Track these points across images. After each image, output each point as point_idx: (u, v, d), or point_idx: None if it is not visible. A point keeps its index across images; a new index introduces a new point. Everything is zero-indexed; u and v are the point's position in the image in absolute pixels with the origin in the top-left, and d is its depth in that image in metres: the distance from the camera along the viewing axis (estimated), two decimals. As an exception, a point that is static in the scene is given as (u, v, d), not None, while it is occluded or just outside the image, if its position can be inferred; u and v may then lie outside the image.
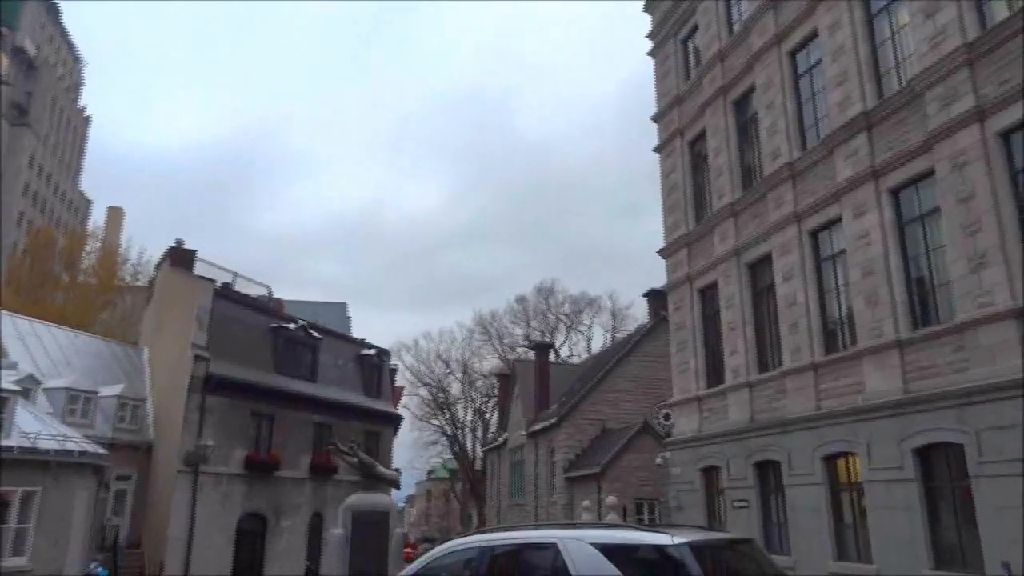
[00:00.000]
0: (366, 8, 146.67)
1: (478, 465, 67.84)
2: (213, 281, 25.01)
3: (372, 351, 32.44)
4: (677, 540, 4.63)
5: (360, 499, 12.41)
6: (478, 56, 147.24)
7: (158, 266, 30.46)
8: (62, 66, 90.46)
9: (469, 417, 68.81)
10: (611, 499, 26.66)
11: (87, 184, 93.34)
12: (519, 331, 65.56)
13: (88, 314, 39.39)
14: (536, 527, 6.29)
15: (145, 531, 23.34)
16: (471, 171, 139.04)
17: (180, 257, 28.17)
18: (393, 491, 22.69)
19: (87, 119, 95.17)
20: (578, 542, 5.09)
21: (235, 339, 25.16)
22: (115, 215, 79.38)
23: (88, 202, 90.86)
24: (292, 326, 27.59)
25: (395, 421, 34.29)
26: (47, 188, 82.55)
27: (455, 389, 68.29)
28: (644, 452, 31.20)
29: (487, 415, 68.16)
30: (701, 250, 22.08)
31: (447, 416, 66.60)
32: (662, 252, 24.25)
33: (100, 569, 20.16)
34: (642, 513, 30.30)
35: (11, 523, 17.26)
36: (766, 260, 18.94)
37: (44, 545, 17.82)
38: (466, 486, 69.00)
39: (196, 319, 23.93)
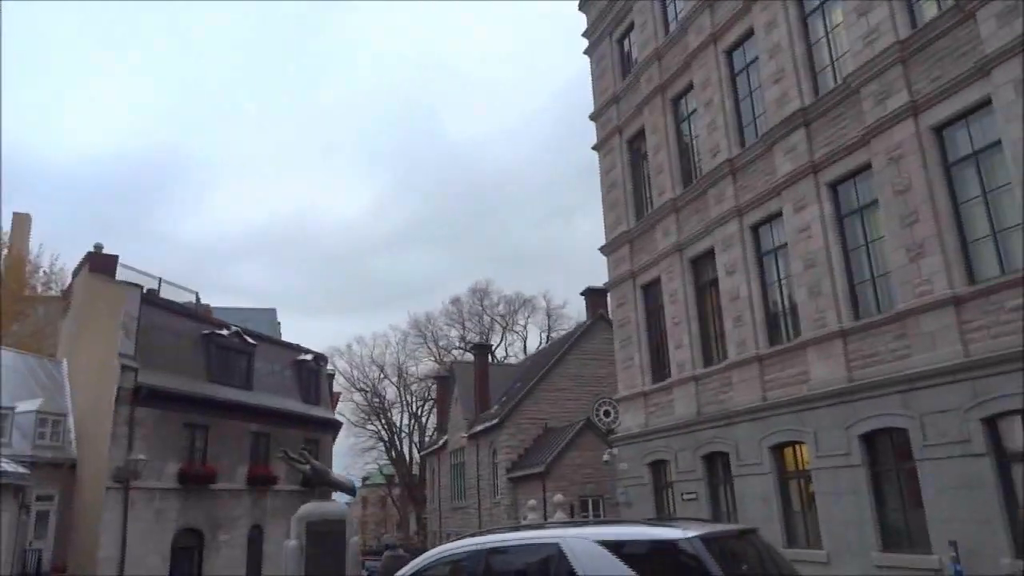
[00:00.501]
0: (290, 9, 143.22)
1: (415, 470, 67.18)
2: (139, 287, 23.75)
3: (308, 356, 31.57)
4: (689, 533, 4.50)
5: (314, 508, 11.96)
6: (406, 60, 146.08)
7: (75, 273, 28.83)
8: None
9: (405, 421, 68.07)
10: (558, 497, 26.76)
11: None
12: (455, 333, 65.34)
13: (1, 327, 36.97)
14: (535, 527, 6.06)
15: (71, 554, 22.00)
16: (400, 176, 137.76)
17: (100, 263, 26.71)
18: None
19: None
20: (582, 540, 4.88)
21: (164, 347, 24.01)
22: (21, 221, 74.48)
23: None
24: (225, 332, 26.52)
25: (334, 427, 33.48)
26: (-56, 193, 77.31)
27: (390, 393, 67.48)
28: (588, 449, 31.42)
29: (423, 419, 67.54)
30: (643, 246, 22.33)
31: (383, 421, 65.67)
32: (604, 249, 24.44)
33: None
34: (587, 511, 30.48)
35: (-78, 553, 15.98)
36: (709, 255, 19.28)
37: (-40, 574, 16.56)
38: (404, 491, 68.12)
39: (122, 327, 22.69)
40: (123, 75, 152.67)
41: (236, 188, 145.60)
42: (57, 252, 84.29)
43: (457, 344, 64.68)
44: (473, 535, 6.08)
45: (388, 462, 73.11)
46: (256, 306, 62.02)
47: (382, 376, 66.34)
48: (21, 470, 18.35)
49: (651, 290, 22.17)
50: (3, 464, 18.03)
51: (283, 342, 31.19)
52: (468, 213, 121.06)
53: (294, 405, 29.83)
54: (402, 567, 6.39)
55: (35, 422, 22.38)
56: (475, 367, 41.04)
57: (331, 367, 38.90)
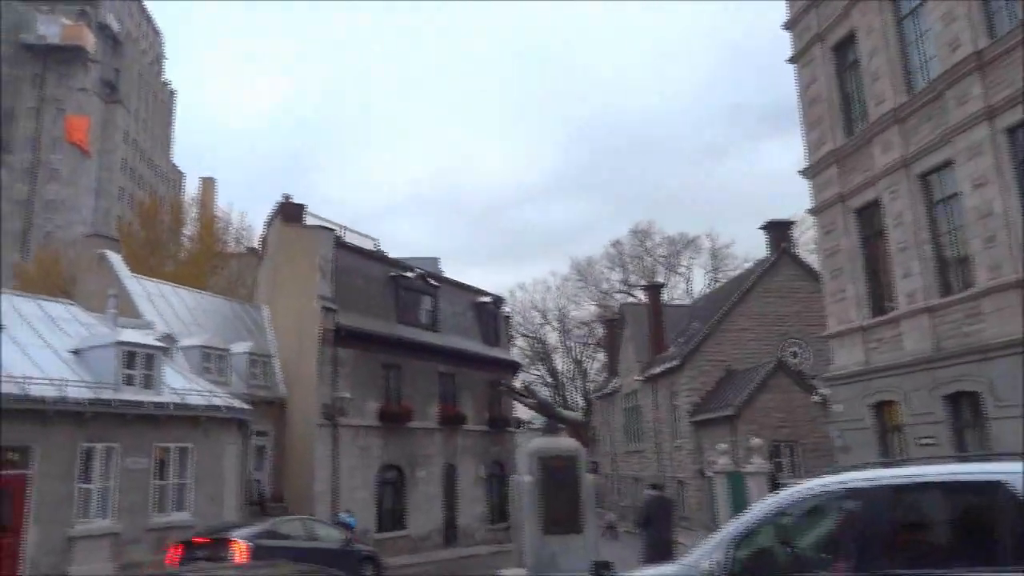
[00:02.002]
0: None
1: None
2: (332, 230, 24.44)
3: (488, 298, 31.65)
4: None
5: (545, 443, 11.43)
6: (545, 8, 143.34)
7: (268, 223, 30.21)
8: (144, 40, 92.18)
9: (567, 367, 68.09)
10: (756, 441, 25.31)
11: (178, 156, 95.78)
12: (616, 276, 64.00)
13: (198, 280, 40.02)
14: (959, 459, 4.90)
15: (286, 485, 23.39)
16: (543, 125, 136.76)
17: (290, 212, 27.77)
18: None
19: (172, 92, 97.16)
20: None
21: (357, 290, 24.69)
22: (208, 185, 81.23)
23: (181, 174, 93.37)
24: (410, 275, 26.93)
25: (514, 368, 33.59)
26: (141, 162, 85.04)
27: (551, 339, 67.59)
28: (780, 392, 29.53)
29: (585, 363, 67.34)
30: (856, 165, 19.91)
31: (547, 367, 65.97)
32: (806, 172, 22.16)
33: (350, 518, 20.38)
34: (780, 456, 28.74)
35: (171, 478, 17.26)
36: (946, 167, 16.78)
37: (202, 500, 17.85)
38: (571, 435, 68.49)
39: (319, 269, 23.46)
40: (283, 40, 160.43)
41: (393, 148, 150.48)
42: (245, 210, 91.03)
43: (619, 287, 63.41)
44: (862, 469, 4.85)
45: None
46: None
47: (543, 322, 66.45)
48: (244, 406, 19.43)
49: (866, 213, 19.82)
50: (229, 400, 19.14)
51: (463, 284, 31.38)
52: (618, 158, 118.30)
53: (477, 346, 30.10)
54: (671, 509, 5.40)
55: (247, 363, 23.74)
56: (648, 308, 39.71)
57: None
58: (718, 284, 55.61)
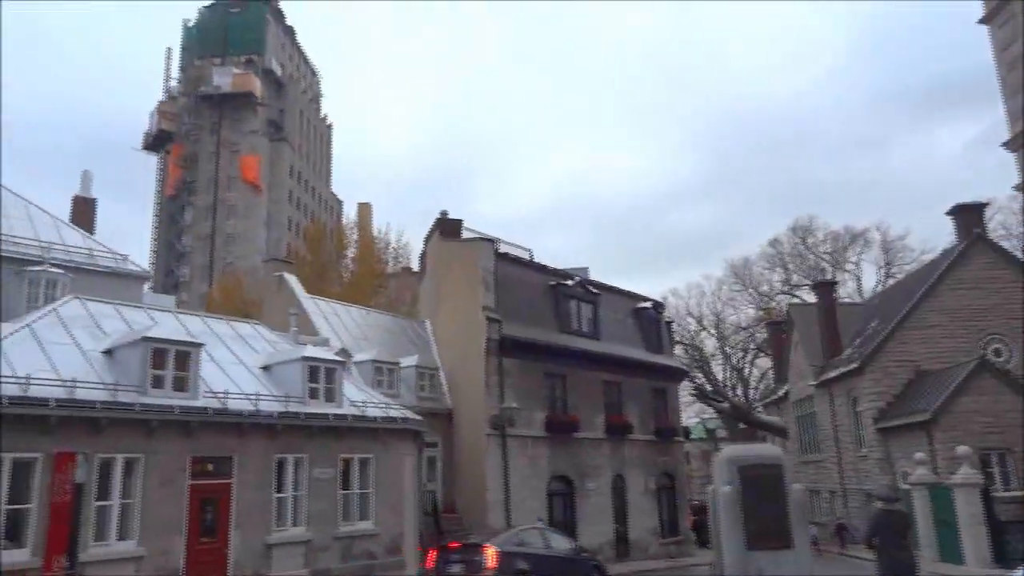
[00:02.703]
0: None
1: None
2: (492, 241, 24.60)
3: (648, 304, 30.73)
4: None
5: (743, 450, 10.59)
6: (671, 10, 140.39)
7: (427, 239, 30.97)
8: (303, 81, 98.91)
9: (725, 374, 65.10)
10: (963, 449, 22.68)
11: (336, 185, 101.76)
12: (777, 276, 60.61)
13: (363, 300, 41.88)
14: None
15: (458, 496, 23.62)
16: (679, 128, 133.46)
17: (448, 227, 28.28)
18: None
19: (329, 127, 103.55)
20: None
21: (517, 300, 24.65)
22: (365, 210, 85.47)
23: (339, 201, 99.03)
24: (570, 282, 26.59)
25: (679, 376, 32.36)
26: (306, 193, 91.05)
27: (709, 345, 64.96)
28: (984, 394, 26.39)
29: (745, 369, 64.11)
30: (1077, 130, 17.41)
31: (706, 375, 63.36)
32: (1009, 144, 19.70)
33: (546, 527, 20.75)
34: (990, 466, 25.60)
35: (354, 488, 17.78)
36: None
37: (383, 510, 18.26)
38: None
39: (481, 281, 23.66)
40: (417, 68, 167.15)
41: (533, 161, 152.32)
42: (401, 228, 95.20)
43: (780, 288, 59.99)
44: None
45: (711, 415, 70.92)
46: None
47: (699, 328, 64.04)
48: (418, 417, 19.77)
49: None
50: (404, 412, 19.54)
51: (622, 290, 30.64)
52: (765, 156, 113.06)
53: (640, 353, 29.23)
54: (905, 525, 4.32)
55: (415, 375, 24.27)
56: (819, 307, 37.04)
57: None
58: (895, 279, 51.22)
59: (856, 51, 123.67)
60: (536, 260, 32.97)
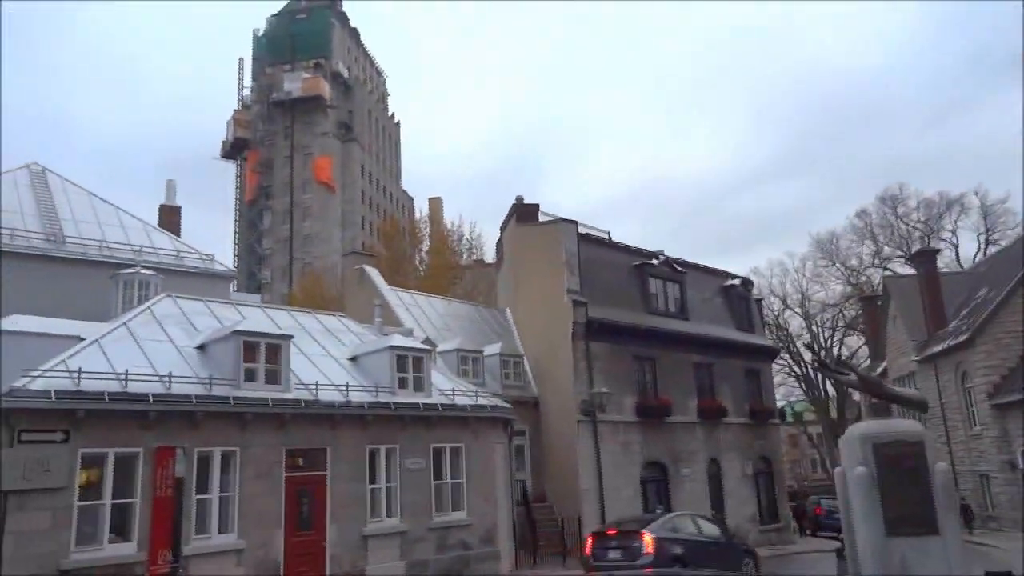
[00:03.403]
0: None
1: (830, 406, 61.55)
2: (575, 222, 23.87)
3: (736, 281, 29.43)
4: None
5: (879, 426, 9.56)
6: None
7: (503, 228, 30.49)
8: (370, 82, 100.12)
9: (808, 356, 62.36)
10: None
11: (406, 182, 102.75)
12: (866, 249, 57.59)
13: (439, 292, 41.89)
14: None
15: (547, 484, 23.11)
16: (753, 111, 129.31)
17: (526, 212, 27.72)
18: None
19: (397, 125, 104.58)
20: None
21: (602, 282, 23.89)
22: (436, 204, 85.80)
23: (410, 199, 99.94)
24: (655, 262, 25.63)
25: (773, 355, 30.97)
26: (377, 192, 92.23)
27: (794, 325, 62.38)
28: (1117, 363, 24.20)
29: (835, 348, 61.27)
30: None
31: (792, 355, 60.86)
32: None
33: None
34: None
35: (446, 478, 17.46)
36: None
37: (476, 500, 17.89)
38: (825, 428, 62.80)
39: (565, 264, 22.99)
40: (484, 63, 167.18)
41: (604, 148, 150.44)
42: (474, 220, 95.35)
43: (871, 262, 57.06)
44: None
45: (800, 399, 68.23)
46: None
47: (783, 307, 61.58)
48: (507, 404, 19.33)
49: None
50: (493, 400, 19.12)
51: (709, 268, 29.42)
52: (845, 129, 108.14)
53: (731, 333, 28.03)
54: None
55: (500, 364, 23.84)
56: (919, 278, 34.91)
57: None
58: (998, 246, 47.90)
59: (932, 16, 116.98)
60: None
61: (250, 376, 14.78)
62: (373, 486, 16.14)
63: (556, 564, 19.75)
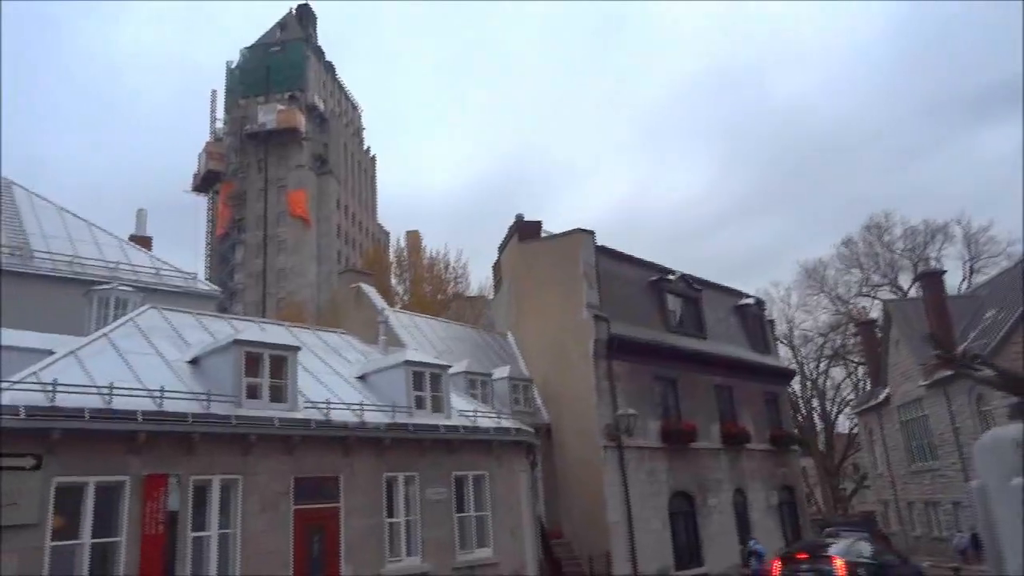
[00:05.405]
0: (591, 8, 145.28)
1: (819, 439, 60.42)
2: (592, 232, 22.33)
3: (750, 300, 28.15)
4: None
5: (1033, 427, 8.02)
6: (710, 31, 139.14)
7: (501, 248, 28.96)
8: (345, 116, 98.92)
9: (803, 387, 61.35)
10: None
11: (382, 218, 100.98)
12: (854, 278, 57.14)
13: (427, 321, 40.14)
14: None
15: (563, 518, 21.17)
16: (727, 149, 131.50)
17: (527, 230, 26.27)
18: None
19: (373, 159, 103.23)
20: None
21: (620, 297, 22.35)
22: (414, 238, 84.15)
23: (386, 233, 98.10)
24: (671, 277, 24.19)
25: (788, 378, 29.60)
26: (353, 226, 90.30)
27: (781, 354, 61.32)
28: None
29: (820, 379, 60.46)
30: None
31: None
32: None
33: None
34: None
35: (469, 510, 15.52)
36: None
37: (502, 535, 15.94)
38: (818, 463, 61.35)
39: (583, 277, 21.39)
40: (460, 100, 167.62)
41: (576, 187, 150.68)
42: (460, 249, 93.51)
43: (859, 290, 56.58)
44: None
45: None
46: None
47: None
48: (530, 429, 17.55)
49: None
50: (515, 423, 17.32)
51: (723, 286, 28.09)
52: (807, 174, 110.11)
53: (748, 354, 26.61)
54: None
55: (509, 388, 22.06)
56: (925, 300, 34.00)
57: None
58: (983, 274, 47.86)
59: (902, 61, 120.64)
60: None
61: (252, 393, 12.84)
62: (391, 520, 14.16)
63: (586, 607, 17.82)
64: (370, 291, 24.34)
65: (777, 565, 16.39)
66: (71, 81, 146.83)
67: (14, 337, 13.20)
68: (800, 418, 60.16)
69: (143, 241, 28.70)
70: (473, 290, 52.16)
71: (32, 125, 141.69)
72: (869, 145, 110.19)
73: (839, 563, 15.14)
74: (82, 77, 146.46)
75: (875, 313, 48.35)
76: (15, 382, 10.60)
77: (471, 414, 16.23)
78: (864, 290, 56.14)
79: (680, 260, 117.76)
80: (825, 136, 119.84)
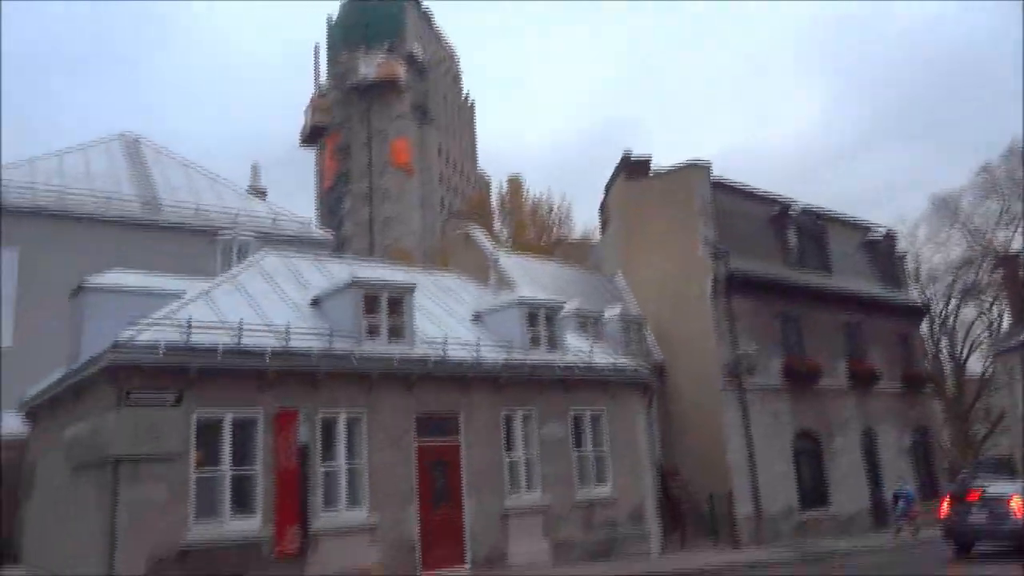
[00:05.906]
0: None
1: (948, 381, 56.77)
2: (708, 166, 21.26)
3: (880, 233, 26.25)
4: None
5: None
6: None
7: (607, 187, 28.13)
8: (442, 64, 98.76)
9: (931, 326, 57.51)
10: None
11: (483, 163, 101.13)
12: (993, 206, 52.41)
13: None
14: None
15: (679, 458, 20.73)
16: (844, 81, 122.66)
17: (636, 167, 25.29)
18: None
19: (472, 106, 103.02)
20: None
21: (738, 232, 21.30)
22: (515, 184, 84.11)
23: (487, 180, 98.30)
24: (794, 211, 22.79)
25: (921, 315, 27.69)
26: (454, 173, 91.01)
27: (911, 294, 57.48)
28: None
29: (949, 319, 56.43)
30: None
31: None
32: None
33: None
34: None
35: (587, 448, 15.36)
36: None
37: (621, 473, 15.74)
38: (945, 407, 57.82)
39: (699, 213, 20.50)
40: (567, 38, 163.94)
41: (696, 129, 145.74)
42: (563, 193, 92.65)
43: (998, 220, 51.92)
44: None
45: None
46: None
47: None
48: (647, 367, 17.12)
49: None
50: (632, 362, 16.93)
51: (850, 219, 26.29)
52: (936, 98, 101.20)
53: (878, 290, 24.96)
54: None
55: (620, 328, 21.56)
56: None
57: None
58: None
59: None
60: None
61: (372, 331, 13.03)
62: (510, 456, 14.19)
63: (707, 547, 17.45)
64: (479, 235, 24.28)
65: (947, 504, 15.62)
66: (187, 51, 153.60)
67: (148, 281, 13.83)
68: (928, 359, 56.75)
69: (259, 193, 29.81)
70: (577, 234, 51.51)
71: (161, 97, 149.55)
72: (1006, 61, 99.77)
73: (1016, 503, 14.11)
74: (196, 47, 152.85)
75: (1016, 245, 44.42)
76: (154, 321, 11.10)
77: (587, 352, 15.96)
78: (1004, 221, 51.58)
79: (804, 192, 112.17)
80: (953, 57, 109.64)
